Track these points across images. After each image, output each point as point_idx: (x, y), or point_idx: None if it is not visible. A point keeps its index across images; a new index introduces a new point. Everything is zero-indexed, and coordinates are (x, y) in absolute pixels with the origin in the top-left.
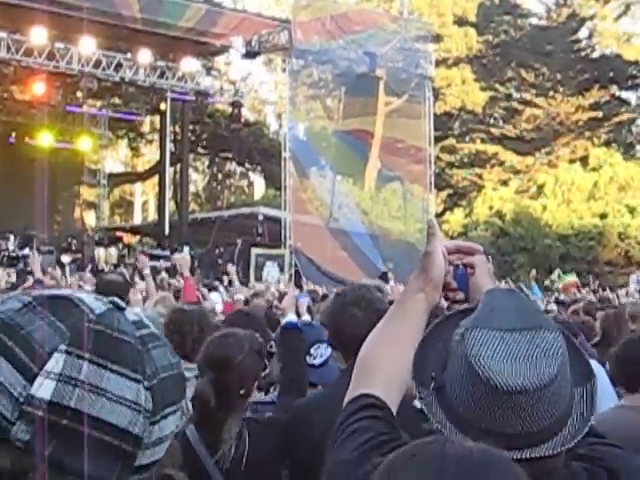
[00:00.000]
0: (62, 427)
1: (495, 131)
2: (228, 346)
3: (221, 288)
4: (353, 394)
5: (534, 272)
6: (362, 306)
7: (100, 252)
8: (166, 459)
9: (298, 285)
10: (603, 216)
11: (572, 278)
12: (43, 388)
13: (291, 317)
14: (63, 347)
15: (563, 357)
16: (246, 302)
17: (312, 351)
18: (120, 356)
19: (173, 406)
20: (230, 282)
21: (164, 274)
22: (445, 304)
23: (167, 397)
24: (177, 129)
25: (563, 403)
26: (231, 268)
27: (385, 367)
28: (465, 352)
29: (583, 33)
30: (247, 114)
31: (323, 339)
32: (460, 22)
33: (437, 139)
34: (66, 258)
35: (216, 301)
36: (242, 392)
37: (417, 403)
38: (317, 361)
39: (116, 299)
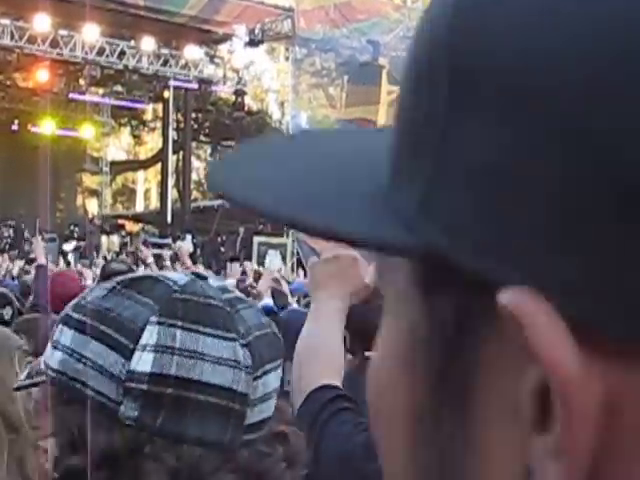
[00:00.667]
0: (168, 396)
1: None
2: None
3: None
4: (315, 384)
5: None
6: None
7: (102, 240)
8: (276, 416)
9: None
10: None
11: None
12: (142, 361)
13: (267, 301)
14: (154, 319)
15: None
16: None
17: None
18: (211, 319)
19: (273, 362)
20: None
21: (168, 263)
22: None
23: (265, 354)
24: (180, 117)
25: None
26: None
27: (332, 357)
28: None
29: None
30: (250, 102)
31: None
32: None
33: None
34: (68, 246)
35: None
36: None
37: None
38: None
39: (197, 271)
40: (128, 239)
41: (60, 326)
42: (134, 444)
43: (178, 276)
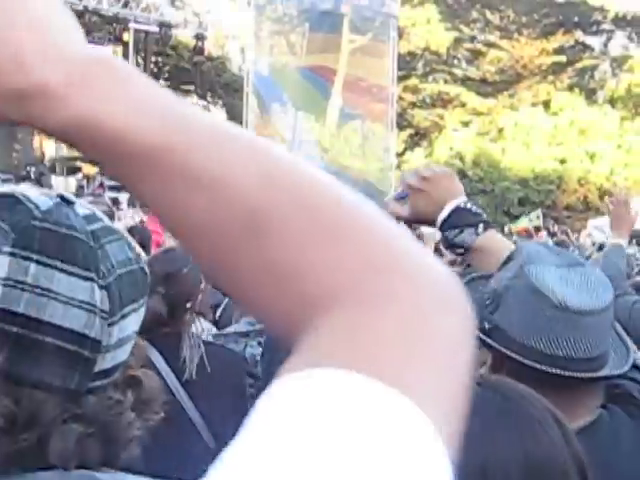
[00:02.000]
0: (12, 335)
1: (458, 72)
2: (174, 260)
3: None
4: None
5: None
6: None
7: (59, 181)
8: (132, 360)
9: None
10: (563, 161)
11: (522, 224)
12: None
13: None
14: (7, 249)
15: (612, 288)
16: None
17: None
18: (70, 254)
19: (134, 304)
20: None
21: (125, 206)
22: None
23: (126, 295)
24: (139, 60)
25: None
26: None
27: None
28: (529, 282)
29: None
30: (210, 48)
31: None
32: None
33: (400, 79)
34: (25, 187)
35: None
36: (188, 305)
37: None
38: None
39: (64, 193)
40: (85, 182)
41: None
42: None
43: (42, 199)
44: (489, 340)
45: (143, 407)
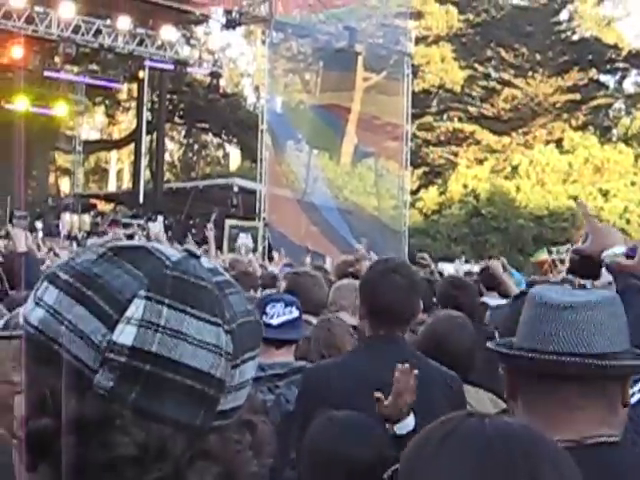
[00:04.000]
0: (145, 373)
1: (473, 110)
2: None
3: None
4: None
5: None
6: (402, 273)
7: (74, 219)
8: (247, 405)
9: (270, 257)
10: (577, 198)
11: (544, 256)
12: (124, 334)
13: None
14: (143, 293)
15: (612, 298)
16: None
17: (267, 309)
18: (199, 301)
19: (251, 352)
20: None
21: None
22: None
23: (246, 342)
24: (154, 98)
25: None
26: (210, 233)
27: None
28: (530, 296)
29: (564, 15)
30: (225, 85)
31: (279, 298)
32: (442, 0)
33: (414, 116)
34: (40, 224)
35: None
36: None
37: None
38: (275, 321)
39: (190, 248)
40: (99, 219)
41: (45, 283)
42: (104, 415)
43: (171, 251)
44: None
45: (258, 449)
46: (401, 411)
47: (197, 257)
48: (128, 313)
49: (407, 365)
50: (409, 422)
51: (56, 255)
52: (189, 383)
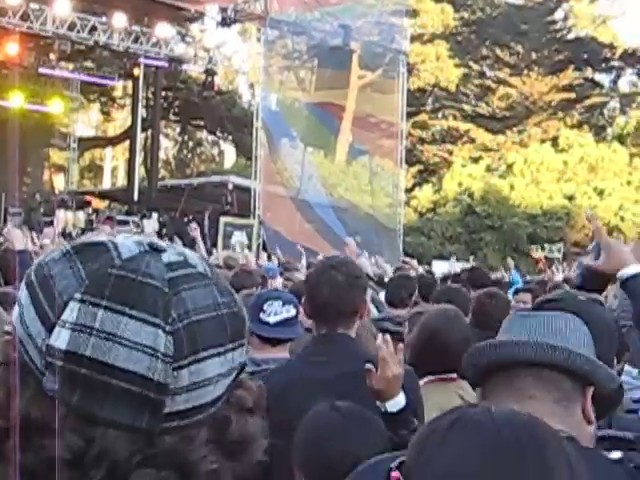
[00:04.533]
0: (82, 376)
1: (468, 108)
2: None
3: None
4: None
5: (510, 260)
6: (341, 270)
7: (68, 216)
8: (234, 401)
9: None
10: (572, 197)
11: (541, 253)
12: (60, 338)
13: None
14: (78, 295)
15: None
16: None
17: (265, 307)
18: (140, 301)
19: (215, 348)
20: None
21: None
22: None
23: (204, 340)
24: (149, 95)
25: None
26: (195, 232)
27: None
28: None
29: (559, 14)
30: (220, 83)
31: (277, 296)
32: None
33: (409, 115)
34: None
35: None
36: None
37: None
38: (272, 319)
39: (157, 241)
40: (94, 216)
41: (22, 283)
42: (49, 417)
43: (129, 247)
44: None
45: (234, 449)
46: (390, 384)
47: (160, 251)
48: (64, 316)
49: (387, 335)
50: (400, 400)
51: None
52: (125, 386)
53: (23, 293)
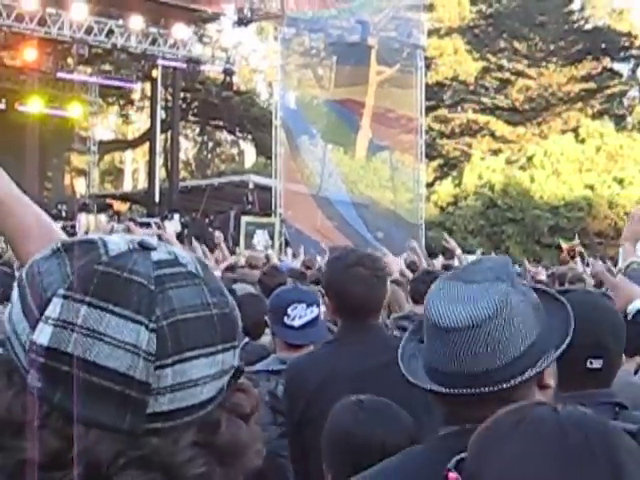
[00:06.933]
0: (64, 373)
1: (487, 101)
2: None
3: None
4: None
5: (527, 263)
6: (366, 265)
7: (90, 219)
8: (228, 405)
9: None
10: (592, 187)
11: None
12: (42, 334)
13: None
14: (61, 291)
15: (507, 303)
16: (232, 268)
17: (289, 311)
18: (124, 298)
19: (202, 349)
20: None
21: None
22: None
23: (189, 339)
24: (168, 96)
25: (511, 349)
26: (220, 239)
27: None
28: (427, 300)
29: (576, 4)
30: (238, 82)
31: (301, 299)
32: None
33: (428, 109)
34: (56, 225)
35: None
36: None
37: None
38: (297, 322)
39: (147, 239)
40: (116, 219)
41: (15, 281)
42: (30, 415)
43: (118, 245)
44: (409, 378)
45: (224, 454)
46: None
47: (149, 249)
48: (47, 312)
49: None
50: None
51: None
52: (107, 385)
53: (14, 291)
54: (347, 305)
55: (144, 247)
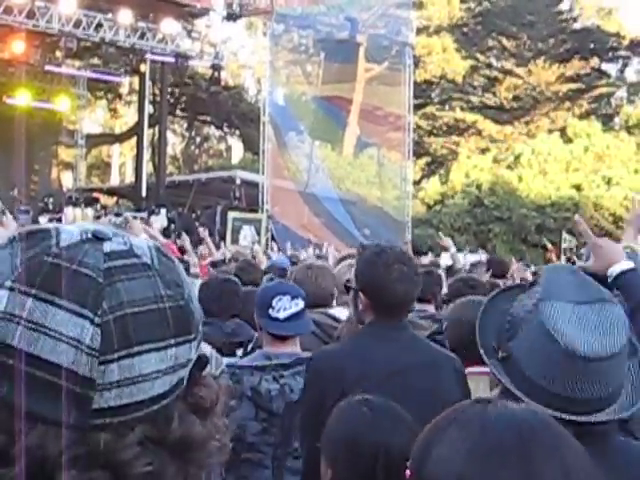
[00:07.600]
0: (9, 367)
1: (475, 100)
2: None
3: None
4: None
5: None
6: (406, 262)
7: (77, 213)
8: (192, 400)
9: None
10: (579, 187)
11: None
12: None
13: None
14: (8, 283)
15: (628, 328)
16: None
17: (274, 303)
18: (71, 291)
19: (152, 343)
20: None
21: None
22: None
23: (137, 334)
24: (156, 91)
25: (624, 373)
26: (204, 233)
27: None
28: (541, 321)
29: (565, 4)
30: (227, 78)
31: (285, 291)
32: None
33: (416, 107)
34: (43, 219)
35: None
36: None
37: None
38: (281, 314)
39: (103, 229)
40: (102, 212)
41: None
42: None
43: (70, 235)
44: (497, 374)
45: (178, 449)
46: None
47: (103, 239)
48: None
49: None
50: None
51: None
52: (51, 379)
53: None
54: (387, 302)
55: (98, 237)
